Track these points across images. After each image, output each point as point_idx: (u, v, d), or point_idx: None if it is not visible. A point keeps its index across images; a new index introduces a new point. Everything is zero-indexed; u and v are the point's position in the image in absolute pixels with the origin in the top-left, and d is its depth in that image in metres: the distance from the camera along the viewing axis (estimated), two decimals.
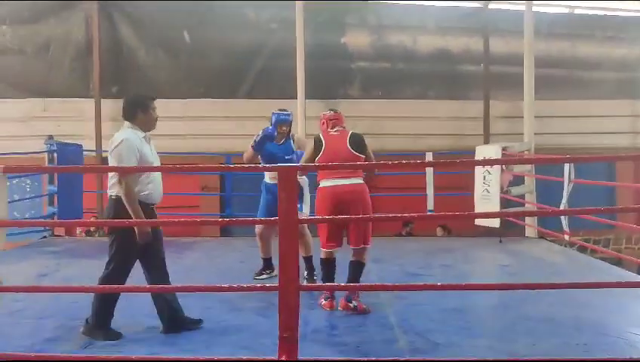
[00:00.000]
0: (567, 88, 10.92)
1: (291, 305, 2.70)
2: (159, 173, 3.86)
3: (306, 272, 5.23)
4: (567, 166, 5.93)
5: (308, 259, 5.23)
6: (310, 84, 10.38)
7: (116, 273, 3.61)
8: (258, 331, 3.76)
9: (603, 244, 9.78)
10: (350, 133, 4.49)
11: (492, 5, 10.82)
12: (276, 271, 5.52)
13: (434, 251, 6.95)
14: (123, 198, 3.52)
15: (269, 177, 5.23)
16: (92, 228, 9.59)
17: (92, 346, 3.52)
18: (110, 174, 3.70)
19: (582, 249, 8.04)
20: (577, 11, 11.36)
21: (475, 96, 10.87)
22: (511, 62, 9.81)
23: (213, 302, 4.43)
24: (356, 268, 4.38)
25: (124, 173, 3.53)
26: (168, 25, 10.50)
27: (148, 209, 3.69)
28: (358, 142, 4.43)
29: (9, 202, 8.59)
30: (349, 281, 4.31)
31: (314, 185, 4.61)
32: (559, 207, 6.10)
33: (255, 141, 4.95)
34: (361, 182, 4.36)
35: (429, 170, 7.74)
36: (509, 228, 8.41)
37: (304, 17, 9.96)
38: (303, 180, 5.28)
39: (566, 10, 11.57)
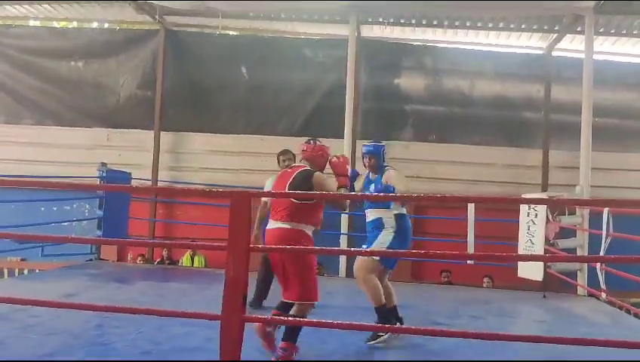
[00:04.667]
0: (633, 140, 10.33)
1: (233, 337, 2.49)
2: None
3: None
4: (605, 216, 5.51)
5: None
6: (364, 124, 10.41)
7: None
8: None
9: None
10: (299, 170, 3.79)
11: (555, 52, 10.49)
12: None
13: (469, 301, 6.63)
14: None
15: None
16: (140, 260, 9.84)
17: None
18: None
19: None
20: None
21: (535, 145, 10.45)
22: (573, 110, 9.38)
23: None
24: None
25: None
26: (229, 63, 10.85)
27: None
28: (300, 180, 3.70)
29: (64, 223, 9.16)
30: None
31: None
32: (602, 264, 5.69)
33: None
34: (289, 226, 3.65)
35: (471, 216, 7.45)
36: (562, 285, 7.91)
37: (361, 59, 10.08)
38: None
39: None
